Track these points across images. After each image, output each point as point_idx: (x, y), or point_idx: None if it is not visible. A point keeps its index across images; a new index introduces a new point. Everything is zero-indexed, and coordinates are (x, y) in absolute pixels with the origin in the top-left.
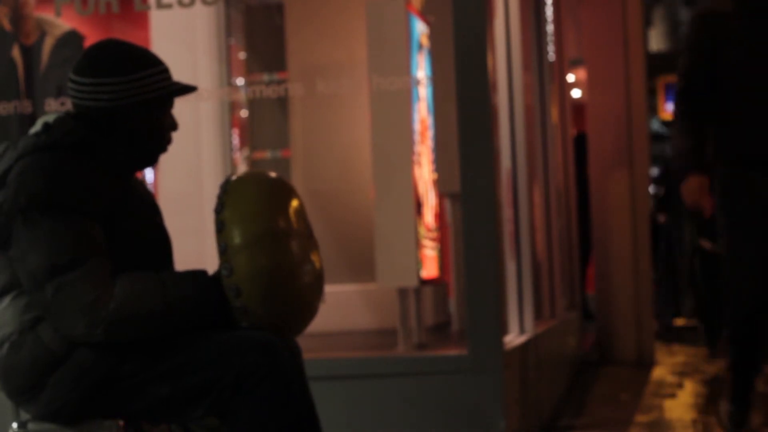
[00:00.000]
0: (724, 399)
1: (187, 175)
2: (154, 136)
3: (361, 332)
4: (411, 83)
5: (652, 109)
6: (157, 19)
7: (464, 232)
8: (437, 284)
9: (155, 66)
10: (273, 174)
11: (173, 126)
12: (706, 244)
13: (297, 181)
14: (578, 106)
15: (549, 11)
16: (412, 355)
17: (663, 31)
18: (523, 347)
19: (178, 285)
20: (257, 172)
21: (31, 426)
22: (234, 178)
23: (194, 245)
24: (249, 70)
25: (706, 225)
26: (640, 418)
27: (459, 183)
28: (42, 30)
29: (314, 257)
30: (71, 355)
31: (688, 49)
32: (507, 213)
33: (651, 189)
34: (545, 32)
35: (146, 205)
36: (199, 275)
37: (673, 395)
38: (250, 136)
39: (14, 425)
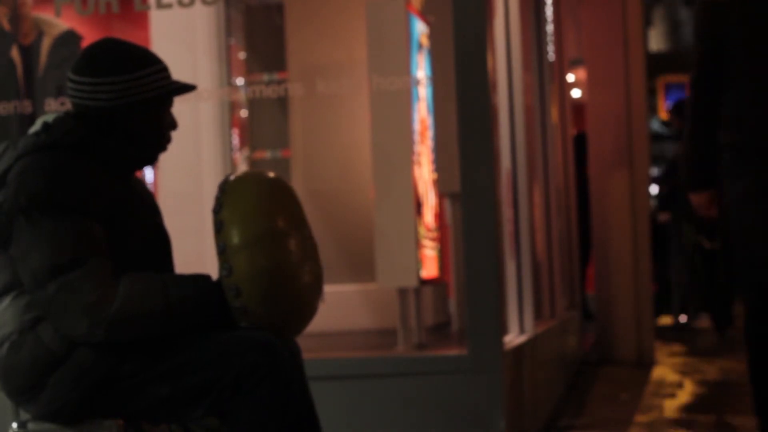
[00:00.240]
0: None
1: (186, 175)
2: (154, 135)
3: (361, 332)
4: (411, 83)
5: (652, 109)
6: (156, 19)
7: (464, 232)
8: (437, 284)
9: (154, 65)
10: (271, 174)
11: (173, 125)
12: (705, 242)
13: (297, 181)
14: (578, 106)
15: (549, 11)
16: (412, 355)
17: (663, 31)
18: (523, 347)
19: (179, 286)
20: (255, 172)
21: (31, 426)
22: (232, 178)
23: (194, 245)
24: (249, 70)
25: (705, 224)
26: (640, 418)
27: (459, 183)
28: (39, 30)
29: (313, 257)
30: (71, 355)
31: (697, 38)
32: (507, 213)
33: (652, 189)
34: (545, 32)
35: (146, 205)
36: (200, 277)
37: (673, 395)
38: (250, 136)
39: (14, 425)
